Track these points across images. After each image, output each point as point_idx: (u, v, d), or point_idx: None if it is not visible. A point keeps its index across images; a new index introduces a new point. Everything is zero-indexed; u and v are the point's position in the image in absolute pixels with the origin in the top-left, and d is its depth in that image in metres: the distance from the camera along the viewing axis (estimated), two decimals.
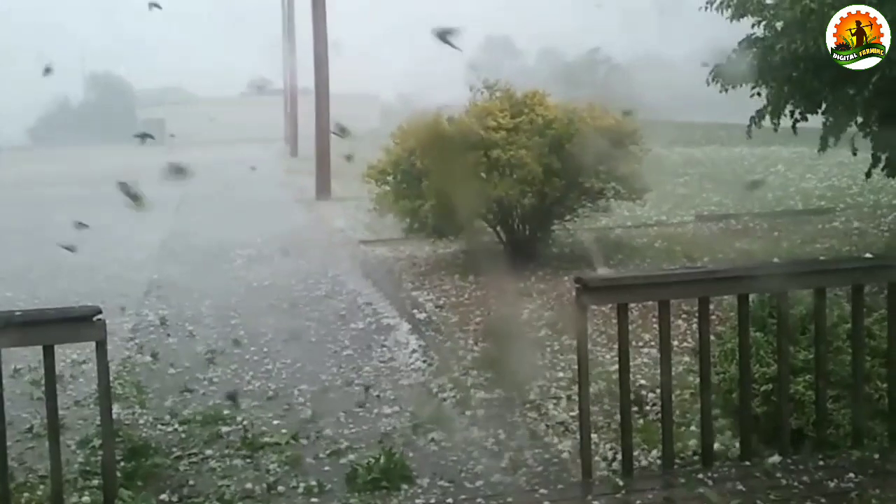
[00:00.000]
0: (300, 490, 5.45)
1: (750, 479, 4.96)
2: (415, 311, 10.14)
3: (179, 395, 7.46)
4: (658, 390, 5.57)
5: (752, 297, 5.51)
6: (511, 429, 6.40)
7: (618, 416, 5.45)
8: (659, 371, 5.32)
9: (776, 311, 5.42)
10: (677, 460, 5.32)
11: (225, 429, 6.51)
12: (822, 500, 4.70)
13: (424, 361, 8.21)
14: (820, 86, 9.15)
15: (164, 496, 5.42)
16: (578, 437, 5.35)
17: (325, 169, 23.54)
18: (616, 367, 5.35)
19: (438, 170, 11.29)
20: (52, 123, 62.86)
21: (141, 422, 6.81)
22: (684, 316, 7.80)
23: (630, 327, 5.45)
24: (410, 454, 5.83)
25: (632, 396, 5.42)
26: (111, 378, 5.50)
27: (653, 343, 7.17)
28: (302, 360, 8.38)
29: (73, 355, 7.93)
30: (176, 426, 6.68)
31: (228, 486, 5.54)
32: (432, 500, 5.13)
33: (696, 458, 5.40)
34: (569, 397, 6.76)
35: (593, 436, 5.47)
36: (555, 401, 6.88)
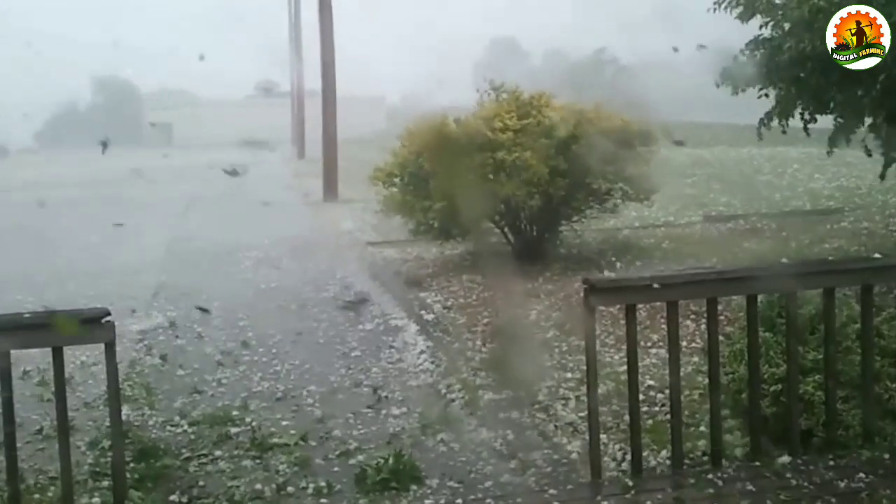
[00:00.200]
0: (310, 491, 5.46)
1: (760, 480, 4.95)
2: (422, 312, 10.15)
3: (188, 396, 7.47)
4: (667, 391, 5.57)
5: (760, 297, 5.50)
6: (520, 429, 6.40)
7: (627, 417, 5.45)
8: (667, 371, 5.31)
9: (785, 312, 5.41)
10: (687, 461, 5.32)
11: (234, 430, 6.53)
12: (833, 501, 4.69)
13: (433, 362, 8.22)
14: (828, 86, 9.13)
15: (173, 497, 5.43)
16: (587, 437, 5.35)
17: (333, 171, 23.56)
18: (624, 367, 5.35)
19: (446, 171, 11.29)
20: (59, 127, 63.00)
21: (150, 423, 6.82)
22: (693, 317, 7.79)
23: (638, 328, 5.44)
24: (419, 455, 5.83)
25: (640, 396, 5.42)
26: (120, 379, 5.51)
27: (661, 344, 7.16)
28: (310, 362, 8.39)
29: (83, 357, 7.95)
30: (185, 427, 6.69)
31: (238, 486, 5.55)
32: (442, 501, 5.14)
33: (705, 458, 5.39)
34: (577, 398, 6.76)
35: (602, 436, 5.47)
36: (563, 401, 6.88)
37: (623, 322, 5.33)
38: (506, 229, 12.23)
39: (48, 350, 4.80)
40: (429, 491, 5.30)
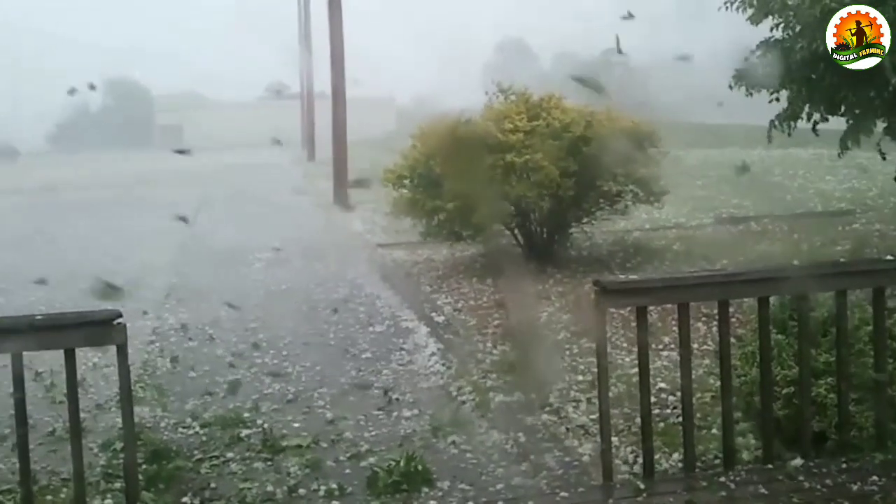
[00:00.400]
0: (321, 493, 5.47)
1: (772, 483, 4.93)
2: (433, 314, 10.15)
3: (200, 398, 7.49)
4: (679, 393, 5.56)
5: (772, 299, 5.48)
6: (531, 432, 6.40)
7: (638, 420, 5.44)
8: (679, 374, 5.30)
9: (797, 314, 5.39)
10: (698, 464, 5.30)
11: (245, 432, 6.54)
12: None
13: (443, 364, 8.22)
14: (840, 86, 9.11)
15: (185, 499, 5.45)
16: (599, 440, 5.34)
17: (343, 173, 23.58)
18: (635, 370, 5.34)
19: (456, 173, 11.29)
20: (71, 129, 63.26)
21: (162, 425, 6.84)
22: (704, 319, 7.78)
23: (649, 330, 5.43)
24: (430, 457, 5.82)
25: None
26: (132, 381, 5.52)
27: (672, 346, 7.15)
28: (321, 364, 8.40)
29: (95, 359, 7.97)
30: (197, 429, 6.71)
31: (250, 488, 5.56)
32: (453, 503, 5.13)
33: (717, 461, 5.38)
34: (589, 400, 6.75)
35: (614, 439, 5.46)
36: (574, 404, 6.87)
37: (634, 324, 5.32)
38: (516, 231, 12.24)
39: (60, 352, 4.81)
40: (440, 493, 5.29)
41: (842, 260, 9.46)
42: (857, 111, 9.90)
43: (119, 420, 5.31)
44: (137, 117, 66.38)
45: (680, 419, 5.40)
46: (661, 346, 7.57)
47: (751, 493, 4.84)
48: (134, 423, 5.04)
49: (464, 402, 7.12)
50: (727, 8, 10.24)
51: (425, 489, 5.31)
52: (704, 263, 11.36)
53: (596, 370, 5.31)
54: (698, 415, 5.66)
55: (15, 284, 12.27)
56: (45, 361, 7.10)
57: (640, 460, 5.36)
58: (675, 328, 5.54)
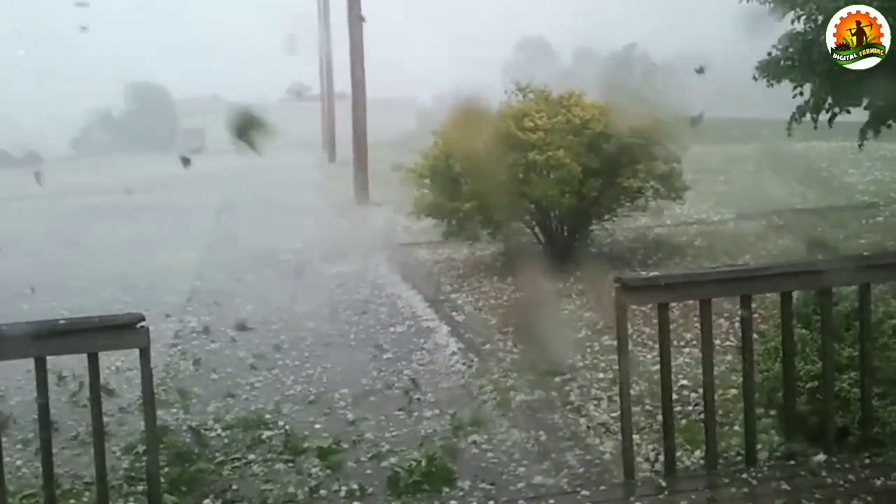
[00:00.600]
0: (342, 494, 5.48)
1: (795, 479, 4.90)
2: (454, 313, 10.14)
3: (222, 400, 7.52)
4: (701, 390, 5.52)
5: (796, 294, 5.44)
6: (552, 430, 6.38)
7: (660, 417, 5.41)
8: (701, 370, 5.27)
9: (820, 308, 5.35)
10: (721, 460, 5.27)
11: (267, 433, 6.56)
12: (869, 499, 4.62)
13: (464, 364, 8.21)
14: (863, 78, 9.03)
15: (207, 501, 5.47)
16: (620, 437, 5.31)
17: (364, 173, 23.62)
18: (657, 367, 5.31)
19: (477, 171, 11.28)
20: (94, 134, 63.74)
21: (184, 427, 6.87)
22: (726, 315, 7.73)
23: (671, 327, 5.40)
24: (452, 457, 5.82)
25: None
26: (155, 384, 5.55)
27: (694, 342, 7.11)
28: (342, 364, 8.42)
29: (118, 362, 8.02)
30: (219, 431, 6.73)
31: (271, 490, 5.58)
32: (474, 503, 5.13)
33: (739, 457, 5.34)
34: (610, 398, 6.73)
35: (635, 436, 5.43)
36: (596, 402, 6.85)
37: (655, 321, 5.29)
38: (536, 229, 12.20)
39: (84, 356, 4.83)
40: (461, 493, 5.29)
41: (865, 253, 9.40)
42: (880, 103, 9.82)
43: (142, 423, 5.34)
44: (160, 121, 66.74)
45: (702, 416, 5.37)
46: (682, 343, 7.53)
47: (773, 490, 4.80)
48: (156, 426, 5.07)
49: (485, 402, 7.11)
50: (748, 0, 10.19)
51: (446, 489, 5.31)
52: (726, 259, 11.30)
53: (617, 367, 5.29)
54: (720, 411, 5.63)
55: (38, 289, 12.36)
56: (68, 365, 7.14)
57: (662, 458, 5.33)
58: (697, 324, 5.51)
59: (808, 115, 10.49)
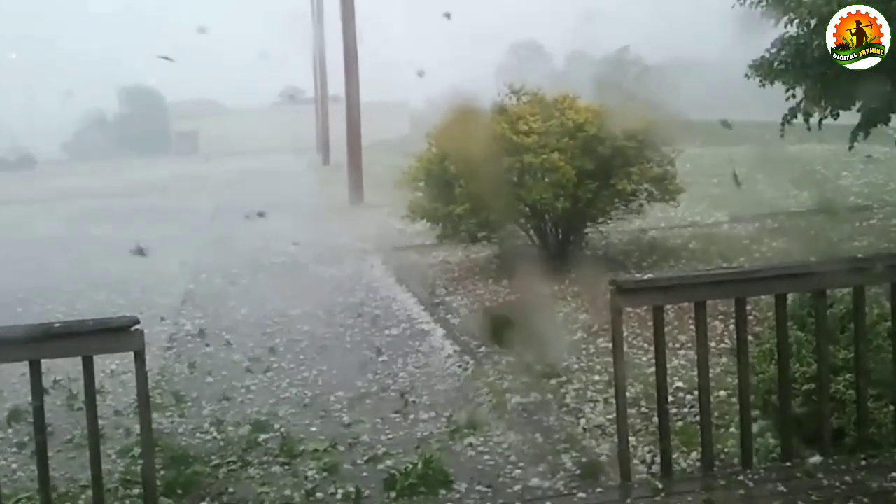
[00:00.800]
0: (338, 496, 5.47)
1: (791, 480, 4.90)
2: (449, 316, 10.15)
3: (217, 403, 7.51)
4: (696, 392, 5.53)
5: (791, 296, 5.45)
6: (548, 433, 6.38)
7: (656, 419, 5.42)
8: (696, 373, 5.28)
9: (815, 310, 5.36)
10: (717, 462, 5.27)
11: (263, 436, 6.55)
12: (865, 501, 4.63)
13: (459, 366, 8.22)
14: (856, 81, 9.07)
15: None
16: (616, 439, 5.32)
17: (358, 176, 23.65)
18: (653, 369, 5.32)
19: (471, 174, 11.29)
20: (87, 138, 63.63)
21: (180, 430, 6.86)
22: (721, 317, 7.74)
23: (666, 329, 5.40)
24: (448, 459, 5.82)
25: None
26: (150, 387, 5.54)
27: (689, 345, 7.12)
28: (338, 367, 8.42)
29: (112, 366, 8.00)
30: (214, 434, 6.73)
31: (268, 493, 5.57)
32: None
33: (735, 459, 5.35)
34: (605, 400, 6.73)
35: (631, 439, 5.44)
36: (591, 404, 6.85)
37: (650, 323, 5.30)
38: (531, 232, 12.21)
39: (78, 359, 4.83)
40: (457, 495, 5.29)
41: (859, 256, 9.43)
42: (872, 105, 9.86)
43: (137, 426, 5.33)
44: (153, 124, 66.69)
45: (697, 418, 5.38)
46: (677, 345, 7.54)
47: (769, 492, 4.81)
48: (152, 429, 5.06)
49: (480, 404, 7.11)
50: (740, 4, 10.22)
51: (443, 491, 5.31)
52: (721, 262, 11.32)
53: (612, 370, 5.29)
54: (716, 413, 5.64)
55: (32, 294, 12.35)
56: (63, 369, 7.13)
57: (658, 460, 5.33)
58: (692, 327, 5.51)
59: (801, 117, 10.52)
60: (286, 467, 5.98)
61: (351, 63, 24.02)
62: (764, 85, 10.13)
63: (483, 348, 8.67)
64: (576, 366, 7.77)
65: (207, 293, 12.43)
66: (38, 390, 4.67)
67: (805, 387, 5.33)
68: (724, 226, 14.68)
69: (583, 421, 6.55)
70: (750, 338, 5.44)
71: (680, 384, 6.80)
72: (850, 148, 10.98)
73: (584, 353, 8.13)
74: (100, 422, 5.08)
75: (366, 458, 6.06)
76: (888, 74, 8.41)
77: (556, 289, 10.57)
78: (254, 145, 49.83)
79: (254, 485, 5.73)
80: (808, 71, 9.58)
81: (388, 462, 5.91)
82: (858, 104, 10.29)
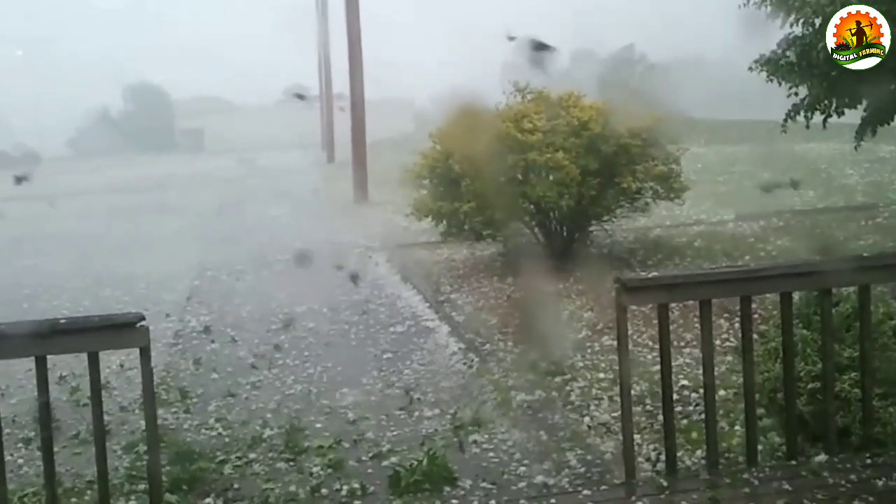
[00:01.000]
0: (343, 493, 5.48)
1: (796, 479, 4.90)
2: (454, 313, 10.15)
3: (223, 399, 7.53)
4: (701, 390, 5.53)
5: (796, 294, 5.45)
6: (553, 430, 6.39)
7: (660, 417, 5.42)
8: (701, 371, 5.28)
9: (820, 309, 5.35)
10: (722, 461, 5.27)
11: (268, 432, 6.57)
12: (871, 499, 4.63)
13: (464, 364, 8.22)
14: (861, 80, 9.05)
15: (208, 500, 5.48)
16: (621, 437, 5.32)
17: (362, 174, 23.65)
18: (657, 367, 5.32)
19: (476, 172, 11.28)
20: (92, 135, 63.72)
21: (185, 426, 6.88)
22: (726, 315, 7.73)
23: (671, 327, 5.40)
24: (452, 456, 5.82)
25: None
26: (155, 383, 5.56)
27: (694, 343, 7.11)
28: (343, 364, 8.43)
29: (118, 362, 8.03)
30: (220, 430, 6.74)
31: (272, 489, 5.58)
32: (475, 502, 5.13)
33: (740, 458, 5.35)
34: (610, 398, 6.73)
35: (636, 436, 5.44)
36: (596, 402, 6.85)
37: (656, 321, 5.30)
38: (536, 230, 12.21)
39: (84, 355, 4.84)
40: (462, 492, 5.29)
41: (865, 254, 9.42)
42: (877, 104, 9.84)
43: (142, 422, 5.35)
44: (159, 122, 66.78)
45: (702, 416, 5.38)
46: (682, 344, 7.53)
47: (774, 490, 4.81)
48: (157, 425, 5.07)
49: (485, 401, 7.11)
50: (745, 5, 10.21)
51: (447, 488, 5.31)
52: (726, 260, 11.32)
53: (617, 368, 5.29)
54: (721, 411, 5.64)
55: (38, 290, 12.37)
56: (69, 364, 7.15)
57: (663, 458, 5.34)
58: (697, 325, 5.52)
59: (802, 115, 10.52)
60: (291, 463, 5.99)
61: (355, 61, 24.01)
62: (771, 80, 10.12)
63: (488, 345, 8.67)
64: (580, 363, 7.78)
65: (212, 290, 12.45)
66: (43, 386, 4.69)
67: (810, 385, 5.33)
68: (729, 224, 14.67)
69: (587, 419, 6.55)
70: (755, 336, 5.44)
71: (685, 382, 6.79)
72: (857, 147, 10.97)
73: (588, 350, 8.13)
74: (105, 417, 5.11)
75: (371, 454, 6.07)
76: (893, 74, 8.40)
77: (560, 286, 10.57)
78: (259, 143, 49.85)
79: (259, 481, 5.74)
80: (814, 70, 9.56)
81: (393, 459, 5.91)
82: (864, 103, 10.29)
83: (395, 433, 6.49)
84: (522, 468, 5.70)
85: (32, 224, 20.86)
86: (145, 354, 4.78)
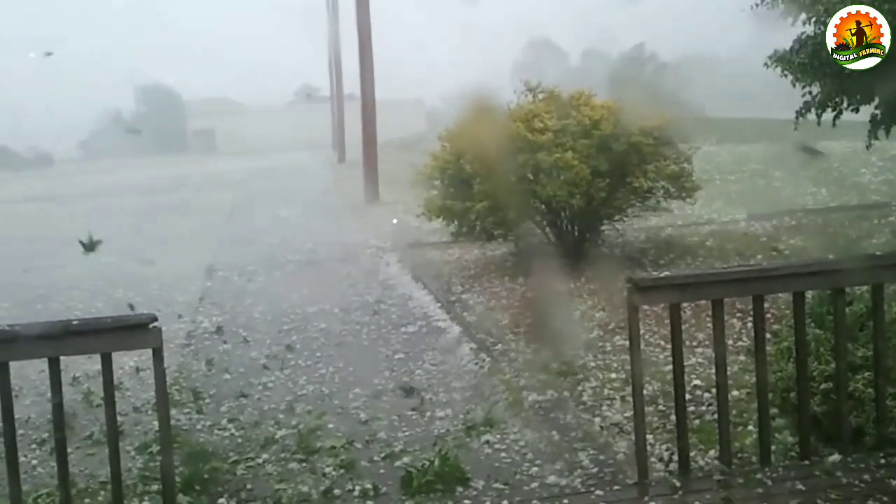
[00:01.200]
0: (356, 493, 5.48)
1: (810, 479, 4.89)
2: (465, 313, 10.15)
3: (235, 400, 7.54)
4: (714, 390, 5.52)
5: (809, 293, 5.43)
6: (565, 430, 6.38)
7: (673, 417, 5.40)
8: (714, 370, 5.26)
9: (833, 308, 5.34)
10: (735, 460, 5.26)
11: (280, 433, 6.58)
12: (884, 499, 4.61)
13: (476, 364, 8.22)
14: (874, 79, 9.01)
15: (222, 500, 5.49)
16: (633, 437, 5.31)
17: (373, 174, 23.68)
18: (670, 367, 5.31)
19: (486, 173, 11.28)
20: (104, 136, 63.96)
21: (198, 427, 6.89)
22: (738, 314, 7.71)
23: (683, 327, 5.39)
24: (464, 457, 5.82)
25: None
26: (168, 384, 5.58)
27: (707, 343, 7.10)
28: (354, 365, 8.44)
29: (131, 362, 8.05)
30: (232, 431, 6.76)
31: (285, 489, 5.59)
32: (487, 503, 5.13)
33: (753, 458, 5.33)
34: (623, 398, 6.72)
35: (649, 436, 5.43)
36: (609, 402, 6.84)
37: (667, 321, 5.29)
38: (547, 229, 12.19)
39: (97, 356, 4.85)
40: (474, 493, 5.29)
41: (878, 253, 9.37)
42: (891, 102, 9.81)
43: (155, 423, 5.36)
44: (170, 123, 66.97)
45: (715, 416, 5.37)
46: (695, 343, 7.51)
47: (788, 490, 4.79)
48: (170, 425, 5.08)
49: (497, 402, 7.11)
50: (757, 6, 10.20)
51: (459, 489, 5.31)
52: (738, 259, 11.28)
53: (629, 367, 5.28)
54: (734, 411, 5.62)
55: (52, 291, 12.43)
56: (82, 366, 7.17)
57: (676, 458, 5.33)
58: (710, 324, 5.50)
59: (814, 112, 10.49)
60: (303, 464, 6.00)
61: (366, 61, 24.03)
62: (785, 76, 10.09)
63: (499, 346, 8.67)
64: (592, 363, 7.76)
65: (225, 290, 12.48)
66: (56, 387, 4.71)
67: (823, 385, 5.31)
68: (741, 223, 14.61)
69: (599, 419, 6.54)
70: (768, 336, 5.42)
71: (697, 382, 6.77)
72: (868, 146, 10.93)
73: (600, 350, 8.11)
74: (119, 418, 5.12)
75: (383, 455, 6.07)
76: None
77: (572, 286, 10.55)
78: (270, 143, 49.97)
79: (271, 481, 5.75)
80: (826, 69, 9.53)
81: (406, 459, 5.91)
82: (876, 101, 10.25)
83: (407, 433, 6.50)
84: (535, 468, 5.69)
85: (45, 224, 20.96)
86: (158, 355, 4.80)
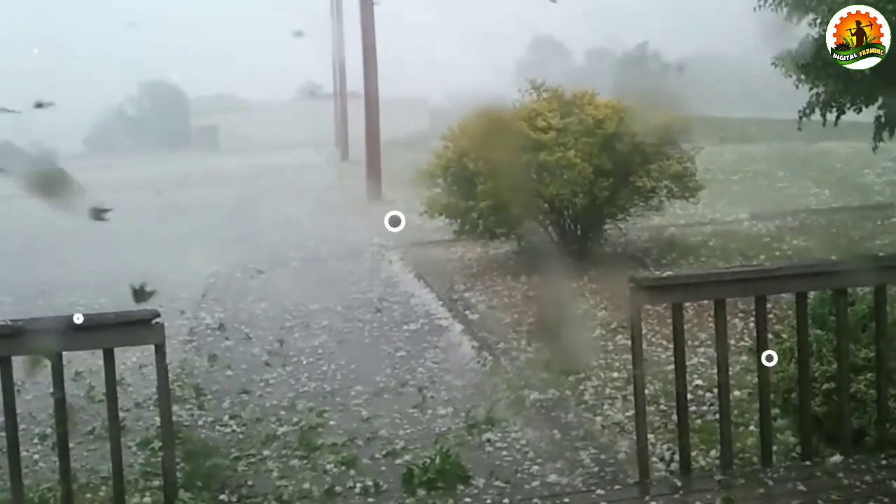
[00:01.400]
0: (357, 490, 5.49)
1: (811, 480, 4.89)
2: (468, 311, 10.15)
3: (237, 396, 7.55)
4: (715, 390, 5.52)
5: (812, 294, 5.43)
6: (566, 429, 6.38)
7: (675, 416, 5.41)
8: (716, 370, 5.27)
9: (836, 309, 5.33)
10: (736, 461, 5.26)
11: (282, 429, 6.58)
12: (886, 500, 4.61)
13: (478, 362, 8.22)
14: (879, 79, 9.01)
15: (223, 496, 5.49)
16: (635, 437, 5.31)
17: (376, 172, 23.68)
18: (672, 366, 5.31)
19: (489, 171, 11.28)
20: (108, 133, 64.04)
21: (200, 423, 6.90)
22: (741, 315, 7.71)
23: (685, 327, 5.39)
24: (466, 454, 5.82)
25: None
26: (170, 380, 5.58)
27: (709, 342, 7.10)
28: (356, 362, 8.44)
29: (133, 358, 8.06)
30: (234, 427, 6.76)
31: (286, 486, 5.59)
32: (488, 501, 5.13)
33: (755, 458, 5.33)
34: (624, 397, 6.72)
35: (650, 436, 5.43)
36: (610, 401, 6.84)
37: (670, 321, 5.29)
38: (550, 228, 12.19)
39: (99, 351, 4.87)
40: (475, 491, 5.29)
41: (881, 254, 9.36)
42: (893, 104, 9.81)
43: (157, 418, 5.37)
44: (174, 120, 67.03)
45: (717, 416, 5.37)
46: (697, 343, 7.52)
47: (789, 491, 4.79)
48: (172, 421, 5.09)
49: (498, 400, 7.11)
50: (761, 7, 10.20)
51: (460, 487, 5.32)
52: (741, 259, 11.27)
53: (631, 367, 5.28)
54: (735, 411, 5.63)
55: (55, 286, 12.44)
56: (84, 361, 7.19)
57: (677, 457, 5.33)
58: (712, 324, 5.50)
59: (818, 113, 10.49)
60: (305, 461, 6.00)
61: (370, 59, 24.04)
62: (789, 75, 10.08)
63: (501, 344, 8.67)
64: (594, 362, 7.76)
65: (227, 287, 12.48)
66: (59, 382, 4.72)
67: (825, 386, 5.31)
68: (744, 223, 14.60)
69: (601, 418, 6.54)
70: (770, 336, 5.42)
71: (699, 382, 6.78)
72: (875, 149, 10.92)
73: (602, 349, 8.11)
74: (120, 414, 5.13)
75: (384, 452, 6.08)
76: None
77: (574, 285, 10.55)
78: (273, 140, 49.97)
79: (272, 478, 5.76)
80: (829, 70, 9.53)
81: (407, 456, 5.92)
82: (879, 102, 10.25)
83: (408, 431, 6.50)
84: (536, 467, 5.69)
85: (48, 220, 20.95)
86: (160, 351, 4.81)
